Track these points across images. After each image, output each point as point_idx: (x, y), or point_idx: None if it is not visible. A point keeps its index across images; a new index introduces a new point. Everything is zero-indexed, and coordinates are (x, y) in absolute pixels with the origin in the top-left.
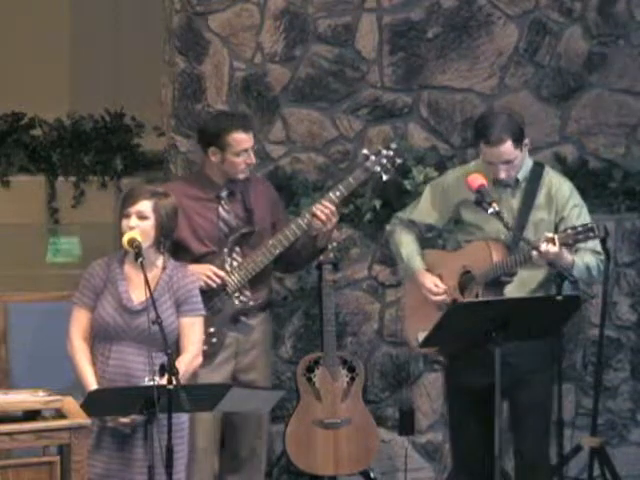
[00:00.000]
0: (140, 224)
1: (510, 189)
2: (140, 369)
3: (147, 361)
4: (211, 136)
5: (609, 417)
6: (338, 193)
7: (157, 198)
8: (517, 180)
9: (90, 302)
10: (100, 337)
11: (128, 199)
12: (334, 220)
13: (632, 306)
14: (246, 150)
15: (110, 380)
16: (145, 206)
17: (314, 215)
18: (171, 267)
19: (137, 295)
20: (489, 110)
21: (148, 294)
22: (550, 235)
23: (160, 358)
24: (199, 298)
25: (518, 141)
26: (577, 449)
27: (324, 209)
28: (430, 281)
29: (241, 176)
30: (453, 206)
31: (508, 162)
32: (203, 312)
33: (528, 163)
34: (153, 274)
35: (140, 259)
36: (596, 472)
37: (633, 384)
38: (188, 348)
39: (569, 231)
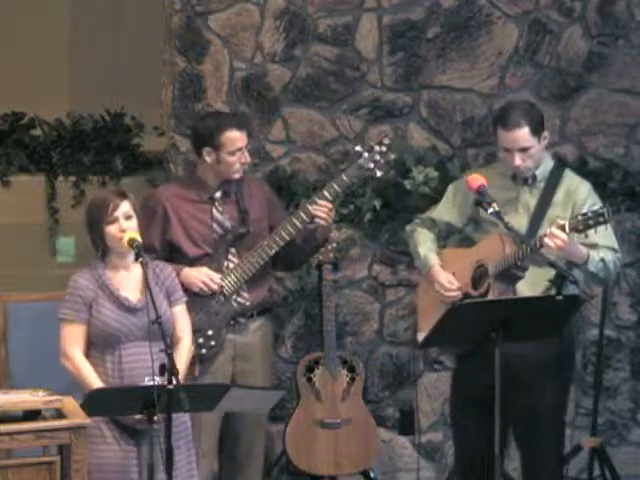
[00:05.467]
0: (130, 225)
1: (528, 187)
2: (152, 366)
3: (156, 356)
4: (205, 136)
5: (609, 417)
6: (332, 190)
7: (129, 197)
8: (535, 177)
9: (85, 316)
10: (103, 345)
11: (105, 206)
12: (332, 215)
13: (632, 306)
14: (240, 149)
15: (132, 383)
16: (127, 206)
17: (314, 216)
18: (148, 261)
19: (131, 294)
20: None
21: (148, 293)
22: (561, 222)
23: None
24: (180, 285)
25: (536, 130)
26: (577, 449)
27: (322, 209)
28: (444, 277)
29: (236, 176)
30: (472, 203)
31: (524, 150)
32: (185, 298)
33: (549, 162)
34: (138, 272)
35: (141, 259)
36: (596, 472)
37: (633, 384)
38: (184, 337)
39: (579, 217)
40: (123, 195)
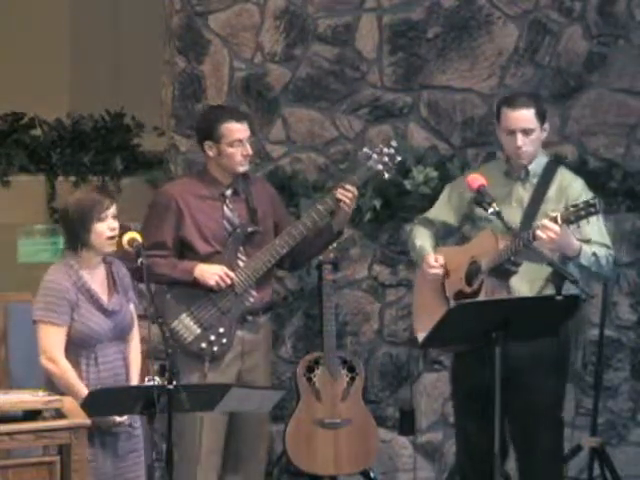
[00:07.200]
0: (117, 225)
1: (521, 181)
2: (121, 365)
3: (122, 355)
4: (205, 129)
5: (609, 417)
6: (356, 179)
7: (117, 200)
8: (527, 172)
9: (68, 319)
10: (81, 347)
11: (100, 203)
12: (354, 204)
13: (632, 306)
14: (240, 140)
15: (106, 384)
16: (115, 209)
17: (339, 200)
18: (109, 261)
19: (102, 295)
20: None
21: (149, 295)
22: (553, 214)
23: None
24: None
25: (540, 116)
26: (577, 449)
27: (348, 194)
28: (432, 256)
29: (240, 169)
30: (467, 202)
31: (527, 132)
32: (135, 298)
33: (542, 158)
34: (103, 271)
35: (140, 259)
36: (596, 472)
37: (633, 384)
38: (135, 336)
39: (570, 208)
40: (112, 196)
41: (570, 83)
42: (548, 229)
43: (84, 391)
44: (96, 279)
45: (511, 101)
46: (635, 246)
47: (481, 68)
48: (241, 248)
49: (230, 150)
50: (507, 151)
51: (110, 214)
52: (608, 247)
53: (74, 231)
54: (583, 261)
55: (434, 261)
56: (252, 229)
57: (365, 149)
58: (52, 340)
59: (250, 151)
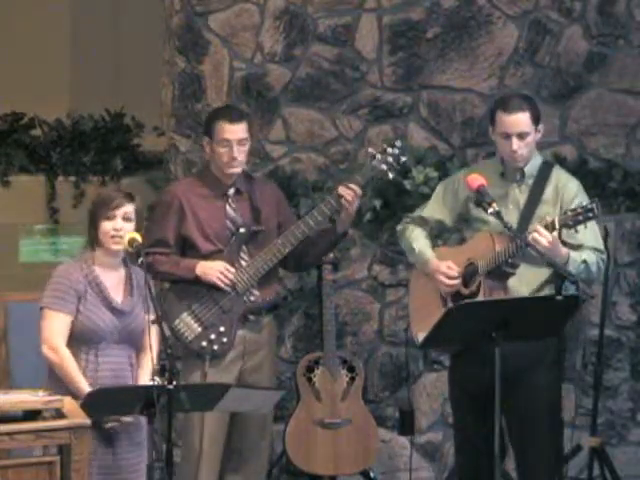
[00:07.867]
0: (125, 226)
1: (516, 183)
2: (127, 369)
3: (129, 360)
4: (205, 127)
5: (609, 417)
6: (360, 179)
7: (135, 201)
8: (523, 173)
9: (74, 308)
10: (83, 341)
11: (109, 202)
12: (357, 203)
13: (632, 306)
14: (228, 141)
15: (104, 384)
16: (130, 209)
17: (340, 196)
18: (129, 265)
19: (116, 296)
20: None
21: (149, 295)
22: (550, 219)
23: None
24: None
25: (535, 119)
26: (577, 449)
27: (350, 192)
28: (444, 265)
29: (227, 170)
30: (462, 202)
31: (522, 136)
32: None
33: (537, 159)
34: (122, 273)
35: (140, 259)
36: (596, 472)
37: (633, 384)
38: (147, 351)
39: (569, 212)
40: (129, 197)
41: (570, 83)
42: (541, 235)
43: (83, 383)
44: (111, 278)
45: (506, 105)
46: (635, 246)
47: (481, 68)
48: (244, 247)
49: (219, 150)
50: (502, 154)
51: (120, 214)
52: (601, 252)
53: (88, 228)
54: (571, 269)
55: (449, 269)
56: (256, 228)
57: (370, 149)
58: (55, 328)
59: (236, 155)
